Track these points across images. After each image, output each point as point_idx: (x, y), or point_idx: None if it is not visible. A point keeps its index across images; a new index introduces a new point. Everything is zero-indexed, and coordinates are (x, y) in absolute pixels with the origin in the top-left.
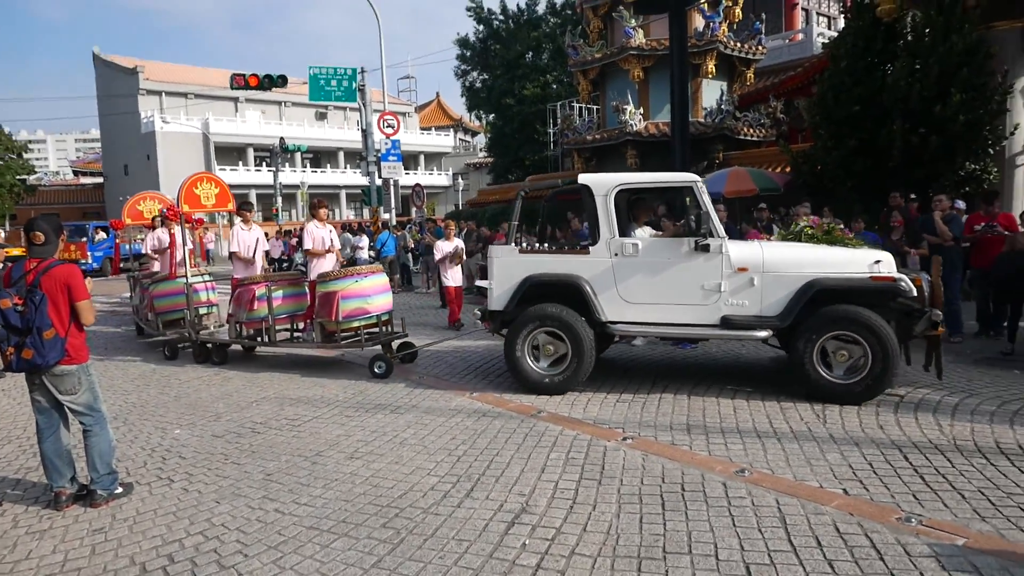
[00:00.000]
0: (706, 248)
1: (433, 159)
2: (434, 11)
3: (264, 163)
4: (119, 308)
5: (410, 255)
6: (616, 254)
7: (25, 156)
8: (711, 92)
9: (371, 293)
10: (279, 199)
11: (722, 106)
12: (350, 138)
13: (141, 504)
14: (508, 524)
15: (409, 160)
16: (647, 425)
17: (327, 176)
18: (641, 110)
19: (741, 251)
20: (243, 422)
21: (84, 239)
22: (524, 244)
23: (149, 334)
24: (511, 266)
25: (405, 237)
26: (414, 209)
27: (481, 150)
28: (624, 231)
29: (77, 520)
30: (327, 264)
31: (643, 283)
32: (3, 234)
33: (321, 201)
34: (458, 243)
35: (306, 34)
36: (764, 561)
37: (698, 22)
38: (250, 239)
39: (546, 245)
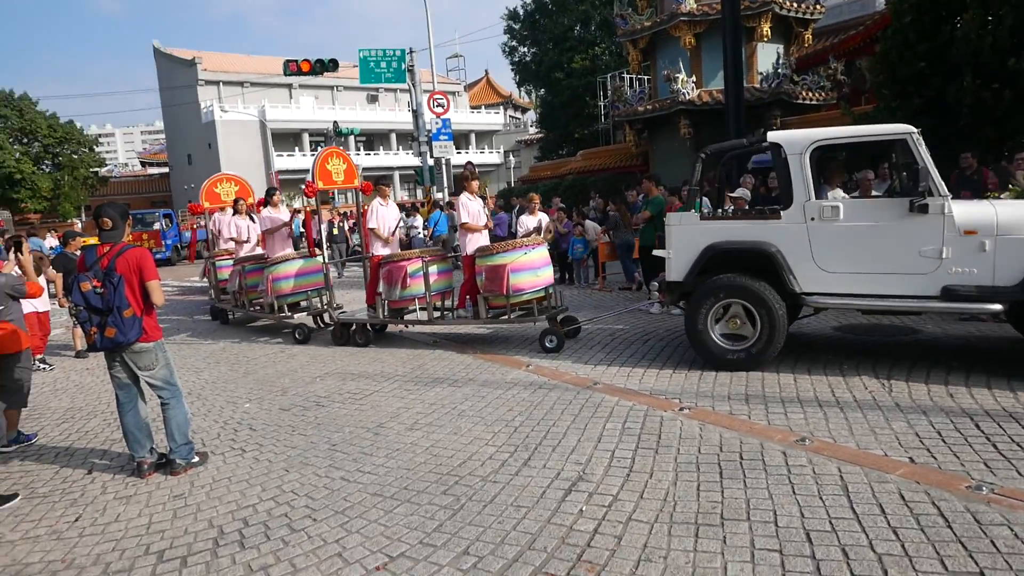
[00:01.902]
0: (924, 208)
1: (484, 137)
2: None
3: (319, 147)
4: (181, 296)
5: (457, 234)
6: (813, 218)
7: (96, 149)
8: (767, 56)
9: (540, 265)
10: None
11: (779, 70)
12: (401, 119)
13: (216, 472)
14: (565, 491)
15: (460, 139)
16: (704, 395)
17: (380, 158)
18: (694, 78)
19: (969, 211)
20: (308, 396)
21: (156, 227)
22: (705, 210)
23: (251, 317)
24: (691, 234)
25: (455, 216)
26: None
27: (532, 126)
28: (821, 192)
29: (159, 487)
30: (484, 238)
31: (845, 250)
32: (79, 224)
33: (473, 172)
34: (543, 217)
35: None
36: (825, 528)
37: None
38: (390, 216)
39: (730, 211)
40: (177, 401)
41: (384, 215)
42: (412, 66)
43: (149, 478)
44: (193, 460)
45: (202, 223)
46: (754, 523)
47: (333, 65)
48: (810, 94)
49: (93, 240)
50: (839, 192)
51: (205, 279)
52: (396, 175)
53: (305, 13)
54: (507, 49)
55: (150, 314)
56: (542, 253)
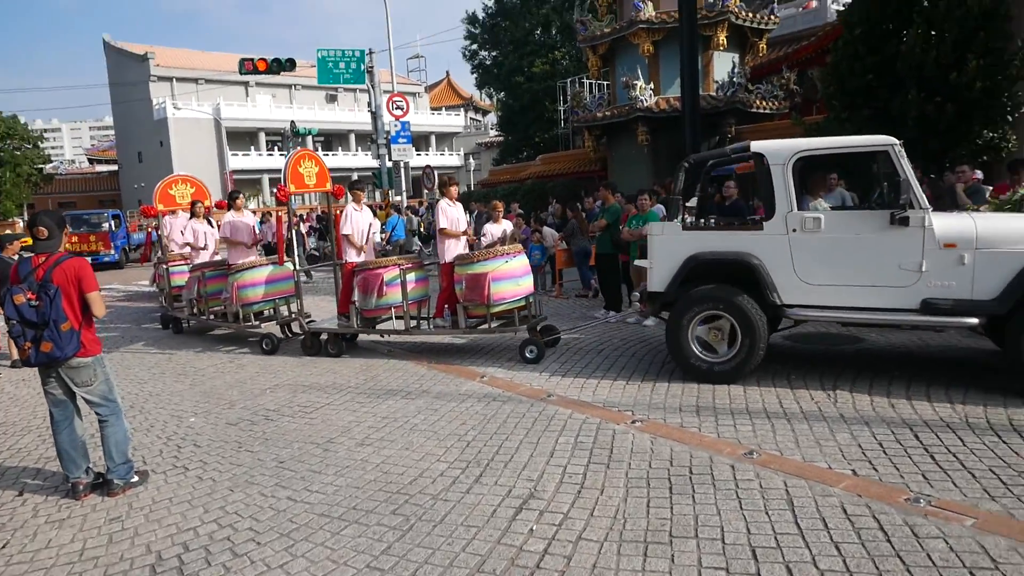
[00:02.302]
0: (905, 221)
1: (444, 139)
2: None
3: (276, 147)
4: (127, 302)
5: (417, 238)
6: (794, 229)
7: (41, 145)
8: (723, 64)
9: (520, 274)
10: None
11: (734, 79)
12: (361, 120)
13: (157, 493)
14: (516, 510)
15: (420, 141)
16: (656, 407)
17: (339, 159)
18: (651, 85)
19: (948, 224)
20: (256, 409)
21: (105, 228)
22: (687, 219)
23: (211, 325)
24: (673, 243)
25: (412, 221)
26: (425, 191)
27: (492, 128)
28: (802, 203)
29: (95, 509)
30: (462, 245)
31: (826, 262)
32: (21, 223)
33: (452, 178)
34: (507, 225)
35: (313, 14)
36: (770, 544)
37: None
38: (363, 221)
39: (712, 221)
40: (116, 418)
41: (358, 220)
42: (371, 67)
43: (84, 500)
44: (132, 480)
45: (155, 225)
46: (702, 540)
47: (290, 65)
48: (764, 103)
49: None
50: (821, 203)
51: (155, 285)
52: (355, 176)
53: (263, 10)
54: (467, 53)
55: (89, 327)
56: (523, 262)
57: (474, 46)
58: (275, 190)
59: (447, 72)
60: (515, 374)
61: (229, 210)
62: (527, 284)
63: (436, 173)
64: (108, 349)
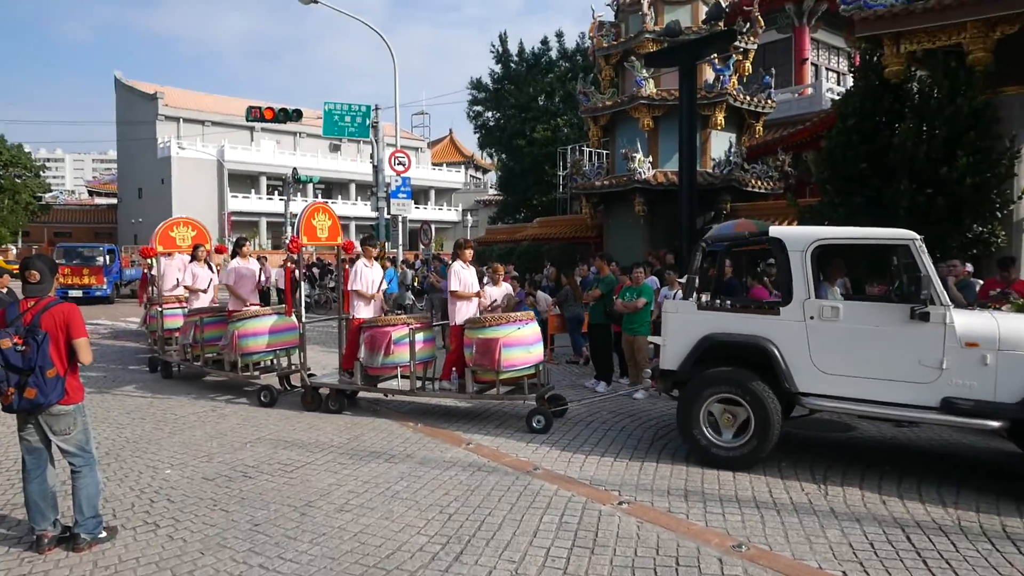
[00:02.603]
0: (926, 317)
1: (443, 194)
2: (449, 47)
3: (276, 192)
4: (111, 340)
5: (410, 292)
6: (812, 316)
7: (42, 175)
8: (720, 143)
9: (532, 342)
10: (289, 229)
11: (730, 157)
12: (362, 170)
13: (124, 551)
14: None
15: (419, 194)
16: (644, 488)
17: (338, 207)
18: (650, 158)
19: (970, 323)
20: (235, 464)
21: (99, 263)
22: (702, 299)
23: (202, 372)
24: (688, 323)
25: (407, 275)
26: (421, 246)
27: (492, 187)
28: (820, 290)
29: (58, 565)
30: (473, 308)
31: (843, 352)
32: (14, 251)
33: (467, 241)
34: (507, 288)
35: (322, 64)
36: None
37: (708, 74)
38: (375, 276)
39: (728, 303)
40: (90, 470)
41: (368, 276)
42: (376, 122)
43: (48, 554)
44: (100, 536)
45: (149, 265)
46: None
47: (297, 115)
48: (759, 182)
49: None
50: (837, 291)
51: (145, 326)
52: (352, 225)
53: (274, 58)
54: (471, 114)
55: (73, 373)
56: (534, 329)
57: (478, 107)
58: (287, 241)
59: (450, 130)
60: (501, 442)
61: (234, 257)
62: (537, 352)
63: (434, 228)
64: (90, 389)
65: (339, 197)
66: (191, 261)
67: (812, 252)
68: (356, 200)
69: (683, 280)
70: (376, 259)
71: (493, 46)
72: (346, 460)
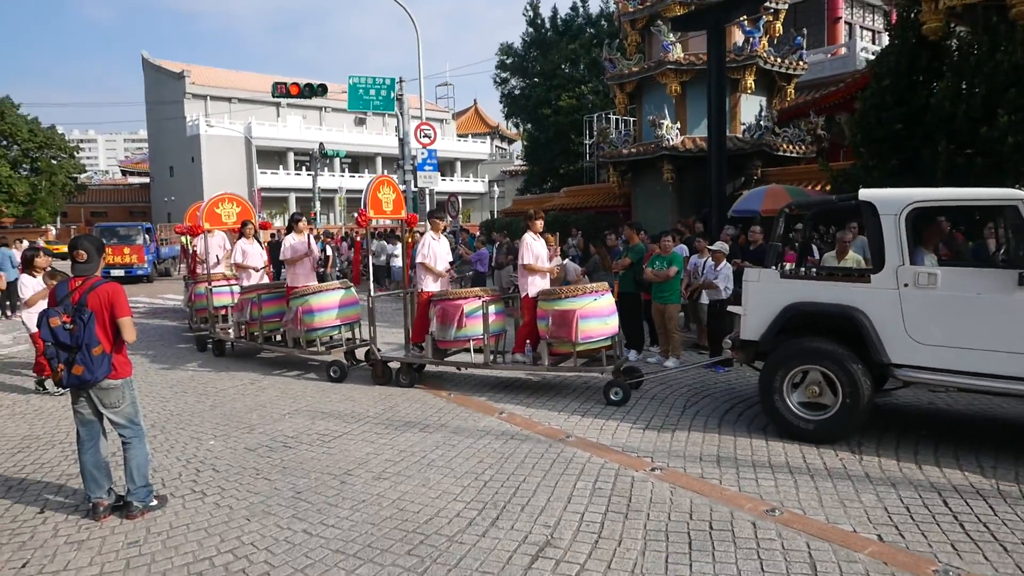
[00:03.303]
0: None
1: (469, 166)
2: (471, 15)
3: (304, 167)
4: (150, 319)
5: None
6: (906, 284)
7: (77, 156)
8: (750, 107)
9: (607, 313)
10: (317, 203)
11: (761, 122)
12: (388, 143)
13: (175, 518)
14: (532, 557)
15: (445, 166)
16: (676, 455)
17: (365, 181)
18: (678, 124)
19: None
20: (275, 435)
21: (139, 242)
22: (786, 267)
23: (254, 349)
24: (770, 292)
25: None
26: (448, 218)
27: (517, 158)
28: (913, 257)
29: (114, 532)
30: (547, 280)
31: (941, 321)
32: (53, 231)
33: (538, 211)
34: (559, 260)
35: (345, 37)
36: None
37: (737, 37)
38: (442, 250)
39: (813, 271)
40: (139, 441)
41: (436, 249)
42: (401, 95)
43: (104, 521)
44: (151, 504)
45: (194, 244)
46: None
47: (322, 90)
48: (791, 147)
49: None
50: (933, 258)
51: (189, 304)
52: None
53: (296, 32)
54: (498, 79)
55: (120, 351)
56: (609, 300)
57: (506, 74)
58: (355, 215)
59: (475, 100)
60: (533, 411)
61: (290, 232)
62: (614, 324)
63: (460, 200)
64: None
65: (366, 171)
66: (239, 238)
67: (907, 216)
68: (383, 174)
69: (714, 247)
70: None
71: (526, 10)
72: (382, 430)
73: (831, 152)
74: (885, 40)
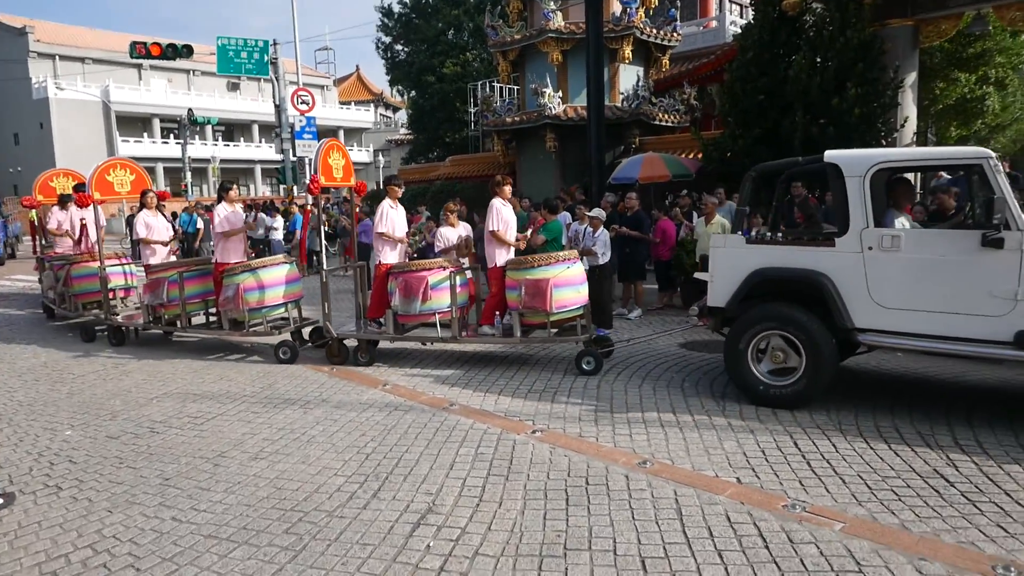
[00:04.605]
0: (999, 243)
1: (353, 134)
2: None
3: (172, 135)
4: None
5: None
6: (870, 247)
7: None
8: (628, 77)
9: (580, 281)
10: (188, 174)
11: (638, 91)
12: (265, 110)
13: (24, 516)
14: (413, 525)
15: (327, 135)
16: (557, 417)
17: (240, 150)
18: (560, 93)
19: None
20: (141, 421)
21: None
22: (752, 232)
23: (158, 335)
24: (737, 257)
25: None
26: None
27: (403, 126)
28: (880, 219)
29: None
30: (512, 249)
31: (905, 284)
32: None
33: (506, 177)
34: (463, 229)
35: None
36: (659, 554)
37: (615, 7)
38: (400, 219)
39: (778, 235)
40: None
41: (394, 219)
42: (276, 58)
43: None
44: None
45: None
46: (595, 552)
47: (187, 51)
48: (666, 116)
49: None
50: (906, 220)
51: (52, 287)
52: (258, 168)
53: None
54: (380, 44)
55: None
56: (580, 269)
57: (387, 39)
58: (306, 181)
59: (357, 66)
60: (418, 381)
61: (220, 202)
62: (585, 292)
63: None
64: None
65: (241, 139)
66: (140, 209)
67: (871, 177)
68: (260, 142)
69: (592, 214)
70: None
71: None
72: (259, 409)
73: (703, 121)
74: (751, 15)
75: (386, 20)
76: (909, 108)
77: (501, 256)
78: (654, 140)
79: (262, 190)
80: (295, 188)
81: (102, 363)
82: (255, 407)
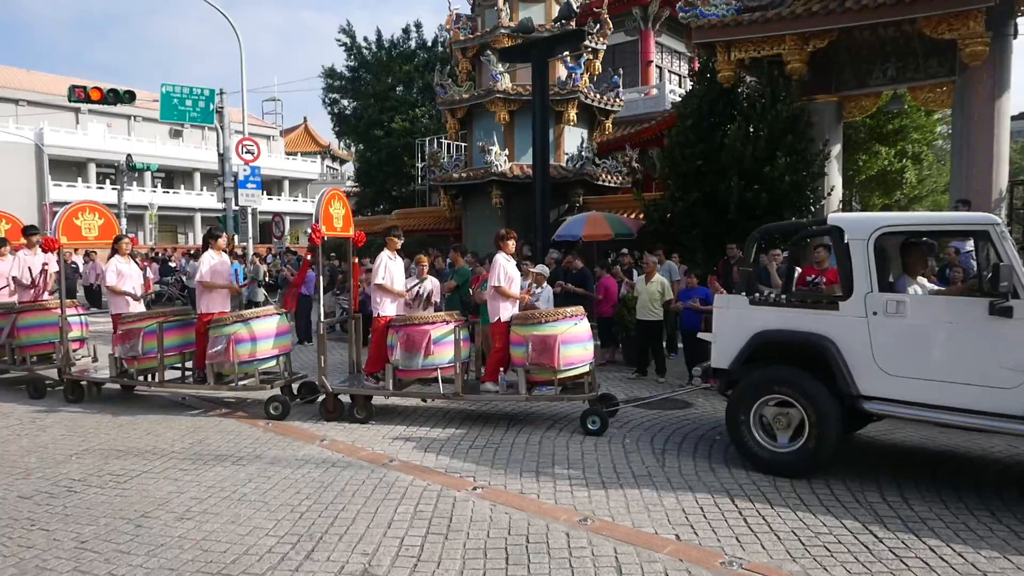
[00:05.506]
0: (1007, 312)
1: (298, 185)
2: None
3: (108, 180)
4: None
5: (261, 289)
6: (875, 312)
7: None
8: (572, 138)
9: (587, 339)
10: (124, 220)
11: (583, 152)
12: (208, 158)
13: None
14: None
15: (272, 185)
16: (498, 472)
17: (180, 198)
18: (507, 151)
19: None
20: (58, 479)
21: None
22: (756, 294)
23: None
24: (740, 318)
25: (258, 269)
26: (274, 239)
27: (349, 179)
28: (886, 283)
29: None
30: (517, 304)
31: (911, 351)
32: None
33: (510, 232)
34: (432, 283)
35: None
36: None
37: (561, 72)
38: (399, 271)
39: (784, 298)
40: None
41: (394, 270)
42: (222, 107)
43: None
44: None
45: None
46: None
47: (129, 97)
48: (609, 176)
49: None
50: (922, 283)
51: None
52: (198, 217)
53: (100, 33)
54: (327, 101)
55: None
56: (587, 326)
57: (334, 95)
58: (307, 231)
59: (304, 118)
60: (357, 436)
61: (206, 250)
62: (591, 349)
63: (288, 221)
64: None
65: (182, 186)
66: (112, 255)
67: (875, 241)
68: (202, 190)
69: (535, 270)
70: (226, 252)
71: (339, 39)
72: (188, 466)
73: (644, 183)
74: (689, 85)
75: (330, 81)
76: (835, 178)
77: (506, 311)
78: (597, 200)
79: (201, 239)
80: (235, 237)
81: (18, 417)
82: (183, 464)
